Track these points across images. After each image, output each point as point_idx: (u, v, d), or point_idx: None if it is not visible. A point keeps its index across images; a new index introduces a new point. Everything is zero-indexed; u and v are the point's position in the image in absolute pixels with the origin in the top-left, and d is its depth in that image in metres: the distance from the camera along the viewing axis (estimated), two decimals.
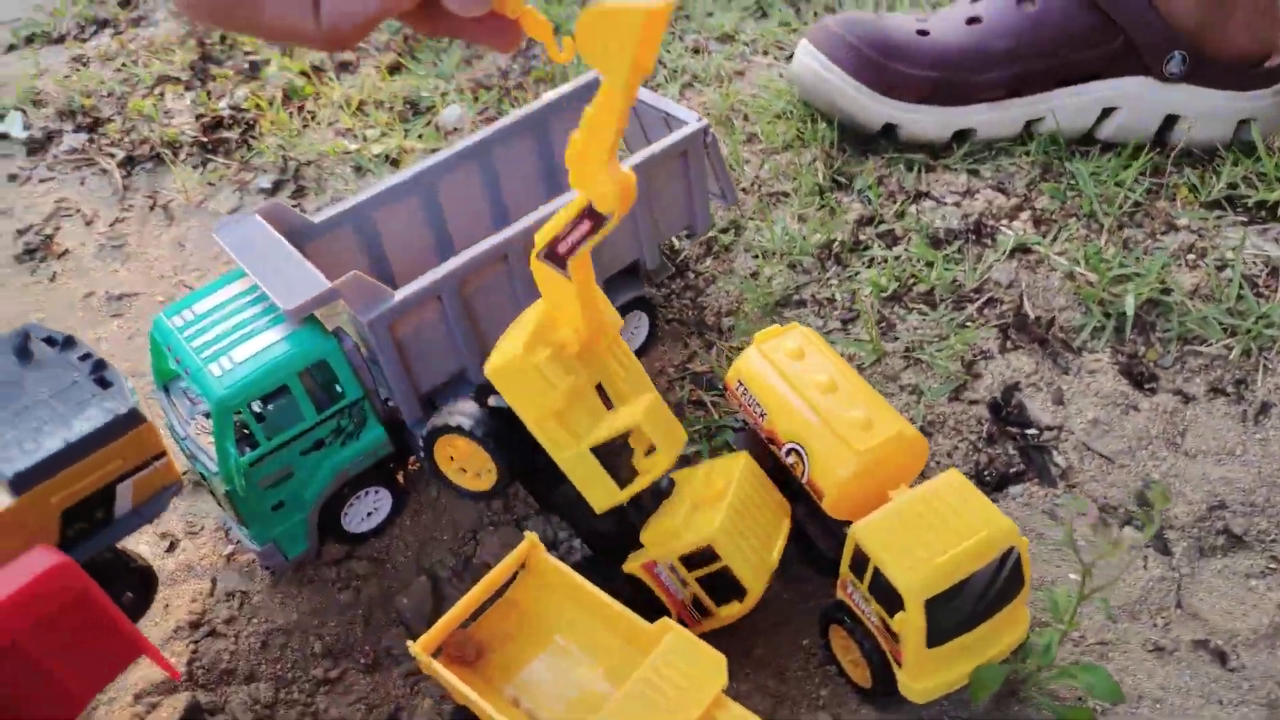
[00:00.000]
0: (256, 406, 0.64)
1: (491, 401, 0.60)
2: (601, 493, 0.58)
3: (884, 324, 0.82)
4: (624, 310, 0.78)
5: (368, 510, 0.73)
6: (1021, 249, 0.87)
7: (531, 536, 0.61)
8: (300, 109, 1.17)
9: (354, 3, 0.38)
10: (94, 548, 0.53)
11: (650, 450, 0.57)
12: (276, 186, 1.08)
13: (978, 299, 0.83)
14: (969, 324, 0.81)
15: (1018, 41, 0.94)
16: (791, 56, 1.10)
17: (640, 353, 0.82)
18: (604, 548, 0.65)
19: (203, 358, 0.64)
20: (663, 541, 0.60)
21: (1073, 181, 0.93)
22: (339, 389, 0.67)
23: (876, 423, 0.59)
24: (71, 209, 1.11)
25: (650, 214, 0.77)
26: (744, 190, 0.96)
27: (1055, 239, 0.87)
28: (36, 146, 1.21)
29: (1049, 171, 0.95)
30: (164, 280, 1.00)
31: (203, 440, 0.69)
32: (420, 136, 1.09)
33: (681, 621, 0.60)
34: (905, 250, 0.88)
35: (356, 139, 1.10)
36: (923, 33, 0.96)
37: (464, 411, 0.60)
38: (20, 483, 0.49)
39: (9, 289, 1.01)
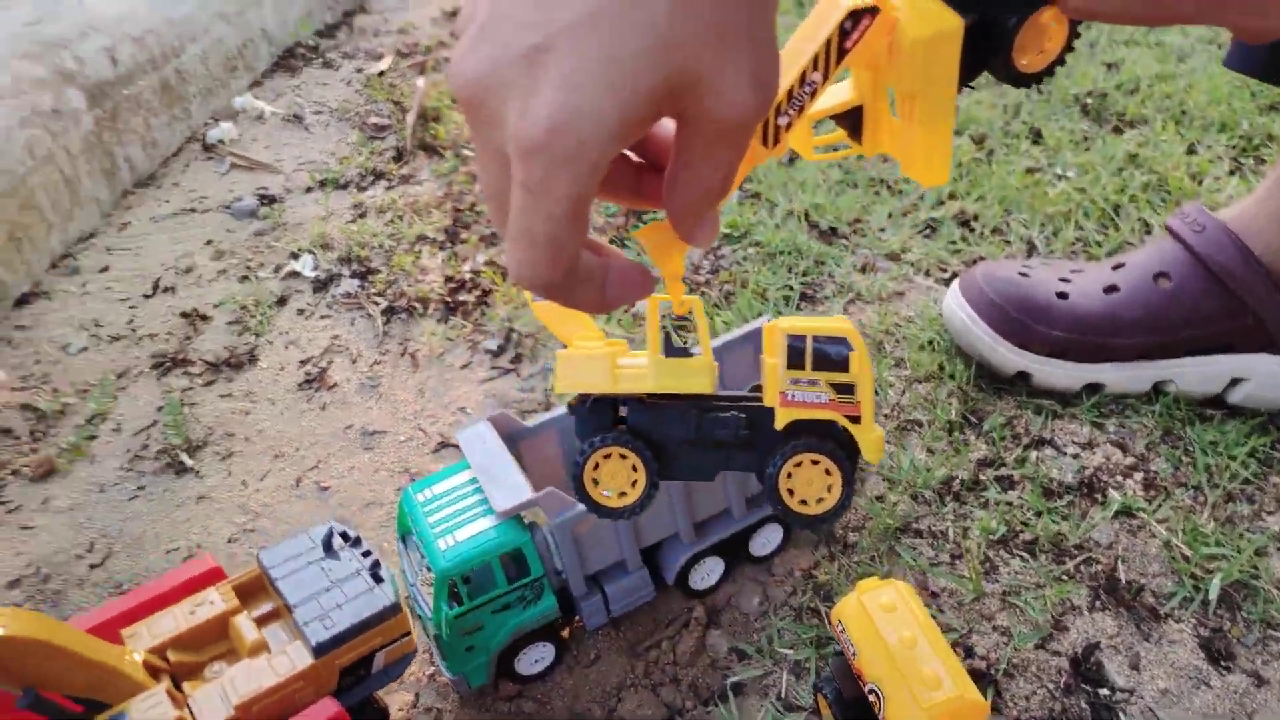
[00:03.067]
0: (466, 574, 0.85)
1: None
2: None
3: (988, 564, 0.95)
4: (762, 523, 0.95)
5: (536, 658, 0.92)
6: (1126, 512, 0.97)
7: None
8: None
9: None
10: (358, 696, 0.74)
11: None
12: (499, 350, 1.32)
13: (1077, 555, 0.94)
14: (1065, 578, 0.92)
15: (1149, 313, 1.04)
16: (952, 278, 1.24)
17: (772, 556, 0.98)
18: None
19: (435, 532, 0.85)
20: None
21: (1189, 448, 1.02)
22: (527, 567, 0.87)
23: (945, 682, 0.72)
24: (342, 347, 1.39)
25: None
26: (886, 415, 1.11)
27: (1160, 506, 0.97)
28: (320, 286, 1.50)
29: (1169, 434, 1.04)
30: (405, 422, 1.25)
31: (423, 589, 0.90)
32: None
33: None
34: (1019, 497, 1.00)
35: None
36: (1062, 295, 1.08)
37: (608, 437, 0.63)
38: (321, 649, 0.71)
39: (292, 414, 1.28)
